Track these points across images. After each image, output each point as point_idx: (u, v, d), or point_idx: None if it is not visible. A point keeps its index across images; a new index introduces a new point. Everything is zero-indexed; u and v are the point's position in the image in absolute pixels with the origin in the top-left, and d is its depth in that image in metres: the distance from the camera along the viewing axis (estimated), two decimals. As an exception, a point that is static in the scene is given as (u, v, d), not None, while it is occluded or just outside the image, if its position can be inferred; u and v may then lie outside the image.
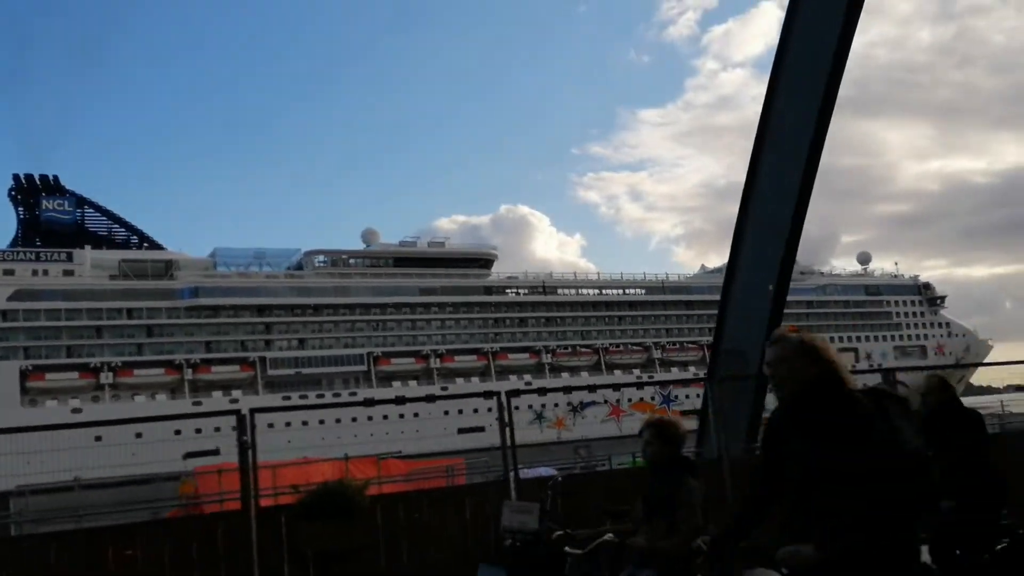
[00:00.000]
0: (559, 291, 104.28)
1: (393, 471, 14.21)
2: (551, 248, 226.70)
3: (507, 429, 8.67)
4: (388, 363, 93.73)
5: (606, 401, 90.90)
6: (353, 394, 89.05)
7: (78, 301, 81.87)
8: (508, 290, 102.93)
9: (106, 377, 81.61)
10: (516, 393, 9.11)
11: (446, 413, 79.63)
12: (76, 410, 76.23)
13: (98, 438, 55.55)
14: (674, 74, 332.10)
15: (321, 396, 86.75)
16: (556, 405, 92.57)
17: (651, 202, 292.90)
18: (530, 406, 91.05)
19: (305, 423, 72.90)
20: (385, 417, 78.20)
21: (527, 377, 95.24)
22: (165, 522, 7.99)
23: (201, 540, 7.40)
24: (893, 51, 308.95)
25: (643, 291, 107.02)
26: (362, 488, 7.77)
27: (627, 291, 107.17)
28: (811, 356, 3.92)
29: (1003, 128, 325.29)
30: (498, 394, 8.75)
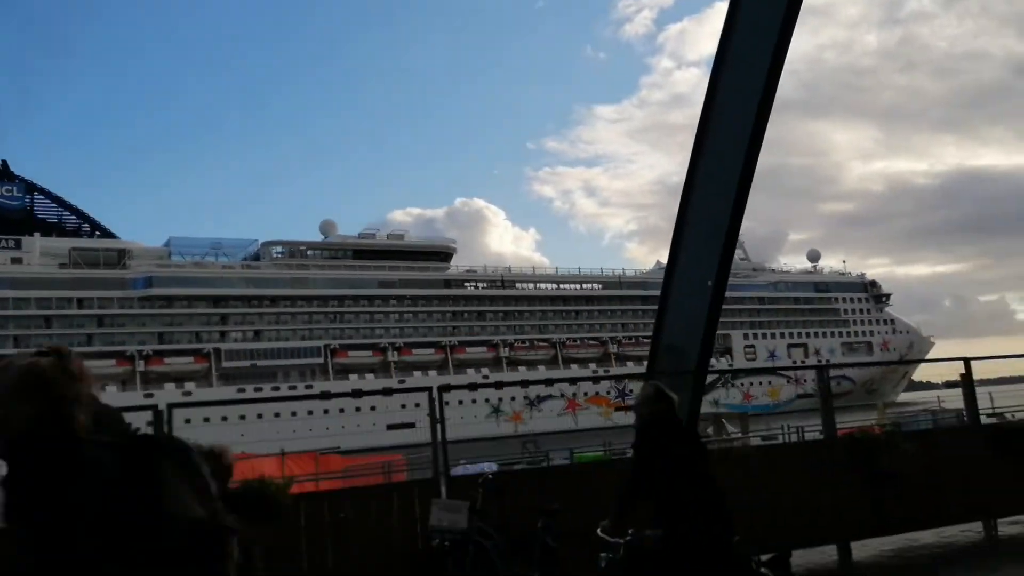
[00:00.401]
0: (517, 285, 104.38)
1: (333, 467, 13.97)
2: (506, 242, 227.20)
3: (437, 425, 8.46)
4: (345, 356, 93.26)
5: (562, 395, 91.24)
6: (309, 387, 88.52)
7: (26, 289, 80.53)
8: (467, 284, 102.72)
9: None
10: (447, 388, 8.90)
11: (403, 407, 79.25)
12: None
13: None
14: (630, 71, 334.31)
15: (276, 388, 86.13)
16: (513, 399, 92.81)
17: (605, 198, 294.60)
18: (487, 400, 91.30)
19: (260, 416, 72.28)
20: (326, 412, 77.99)
21: (484, 371, 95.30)
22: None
23: None
24: (841, 54, 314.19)
25: (600, 286, 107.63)
26: (283, 486, 7.53)
27: (584, 286, 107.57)
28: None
29: (944, 131, 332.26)
30: (429, 389, 8.54)
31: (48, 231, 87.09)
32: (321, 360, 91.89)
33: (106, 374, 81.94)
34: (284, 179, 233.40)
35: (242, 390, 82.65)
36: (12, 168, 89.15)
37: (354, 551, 7.89)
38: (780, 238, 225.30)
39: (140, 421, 8.44)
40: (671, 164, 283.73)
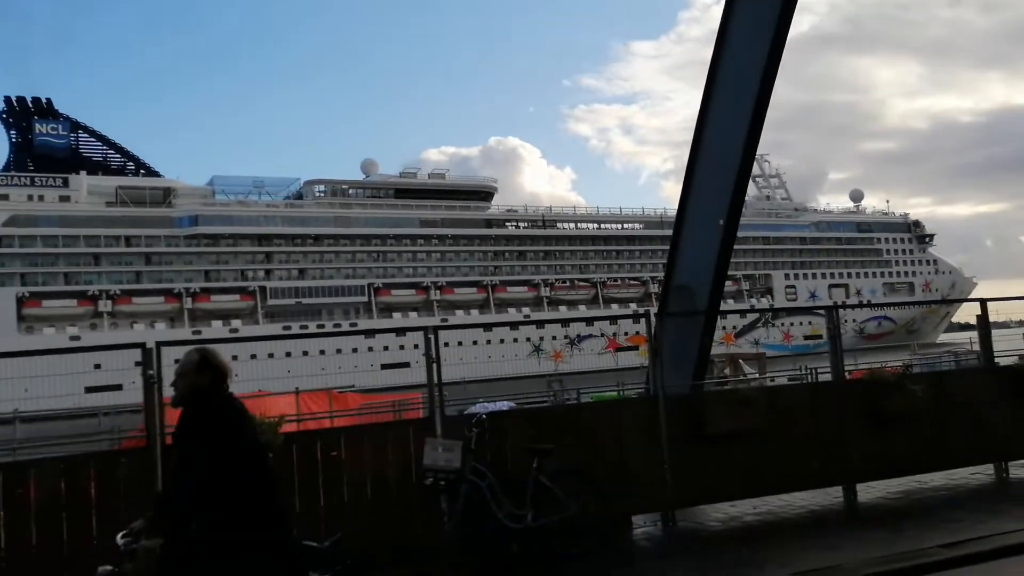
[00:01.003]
0: (558, 225, 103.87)
1: (350, 404, 14.10)
2: (541, 181, 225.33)
3: (433, 365, 8.45)
4: (388, 294, 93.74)
5: (603, 334, 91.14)
6: (354, 324, 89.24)
7: (75, 228, 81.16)
8: (508, 223, 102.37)
9: (104, 305, 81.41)
10: (440, 328, 8.88)
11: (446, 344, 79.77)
12: (74, 337, 76.19)
13: (97, 365, 56.47)
14: (668, 5, 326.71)
15: (321, 326, 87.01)
16: (554, 338, 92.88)
17: (642, 136, 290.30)
18: (528, 339, 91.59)
19: (288, 354, 72.89)
20: (368, 349, 78.37)
21: (526, 310, 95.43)
22: (62, 459, 7.77)
23: (100, 478, 7.23)
24: None
25: (641, 225, 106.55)
26: (273, 425, 7.58)
27: (625, 226, 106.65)
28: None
29: (991, 67, 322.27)
30: (424, 329, 8.54)
31: (93, 169, 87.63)
32: (365, 299, 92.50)
33: (155, 311, 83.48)
34: (321, 119, 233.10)
35: (287, 327, 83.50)
36: (57, 106, 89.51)
37: (347, 491, 7.94)
38: (820, 177, 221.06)
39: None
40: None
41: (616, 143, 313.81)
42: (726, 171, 10.94)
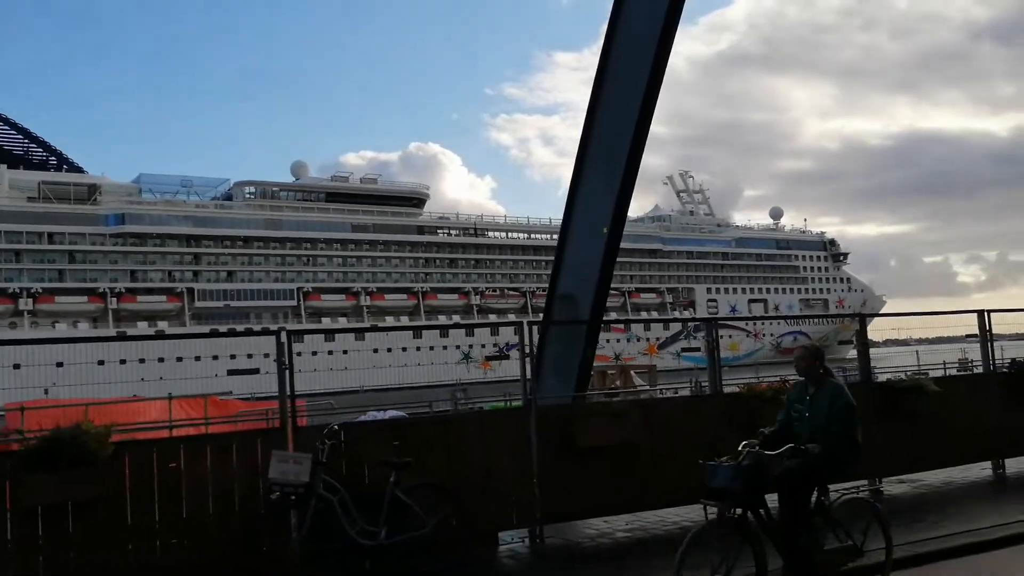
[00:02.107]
0: (489, 234, 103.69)
1: (229, 411, 13.50)
2: (462, 188, 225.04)
3: (287, 372, 7.98)
4: (318, 299, 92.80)
5: (527, 345, 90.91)
6: (282, 328, 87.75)
7: None
8: (439, 231, 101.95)
9: (25, 303, 78.99)
10: (299, 334, 8.42)
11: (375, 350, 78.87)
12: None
13: (16, 366, 54.48)
14: (592, 18, 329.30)
15: (249, 329, 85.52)
16: (483, 346, 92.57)
17: (562, 147, 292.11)
18: (457, 346, 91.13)
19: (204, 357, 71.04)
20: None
21: (456, 318, 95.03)
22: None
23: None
24: (803, 9, 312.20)
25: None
26: (103, 434, 7.04)
27: (554, 236, 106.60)
28: None
29: (901, 92, 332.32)
30: (277, 333, 8.07)
31: (14, 163, 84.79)
32: (294, 302, 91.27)
33: (78, 311, 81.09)
34: (241, 119, 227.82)
35: (215, 330, 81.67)
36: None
37: (186, 505, 7.43)
38: (736, 193, 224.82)
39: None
40: None
41: (536, 153, 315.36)
42: (611, 180, 10.71)
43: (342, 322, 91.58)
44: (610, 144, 10.73)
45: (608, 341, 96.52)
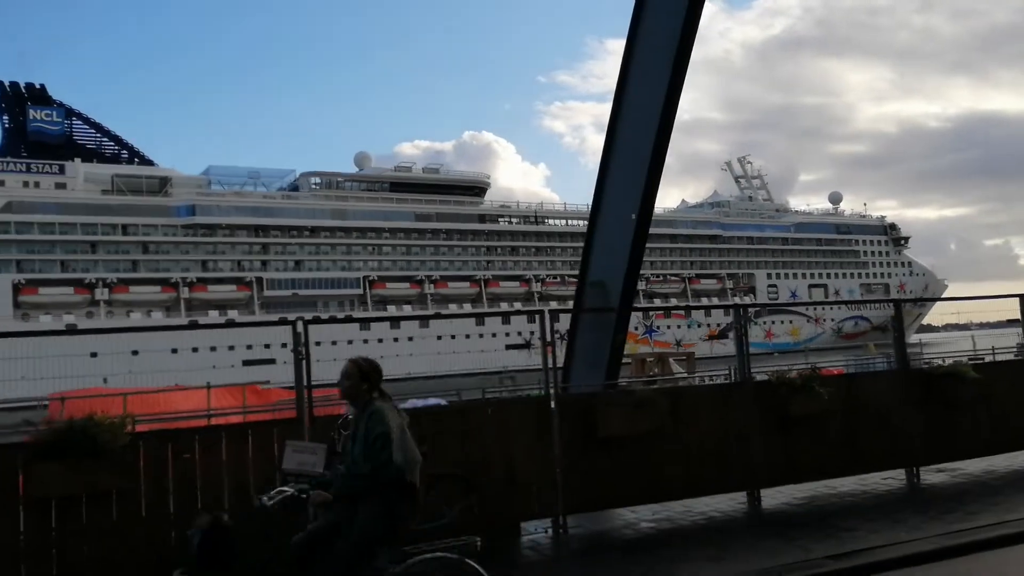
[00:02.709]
0: (549, 221, 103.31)
1: (273, 399, 13.57)
2: (515, 177, 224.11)
3: (303, 363, 7.94)
4: (383, 287, 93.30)
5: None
6: (348, 316, 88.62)
7: (72, 215, 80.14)
8: (500, 219, 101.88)
9: (101, 293, 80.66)
10: (314, 321, 8.36)
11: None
12: (71, 325, 75.45)
13: (94, 354, 55.71)
14: None
15: (317, 317, 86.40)
16: (532, 333, 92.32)
17: None
18: (519, 332, 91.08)
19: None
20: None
21: (517, 305, 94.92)
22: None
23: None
24: None
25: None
26: (117, 424, 7.05)
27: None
28: None
29: (958, 74, 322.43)
30: (294, 323, 8.02)
31: (88, 157, 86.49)
32: (360, 291, 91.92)
33: (152, 300, 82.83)
34: (297, 111, 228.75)
35: (284, 319, 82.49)
36: (50, 92, 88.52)
37: (201, 497, 7.42)
38: (791, 178, 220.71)
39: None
40: (683, 101, 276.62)
41: (590, 141, 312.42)
42: (638, 166, 10.50)
43: (407, 310, 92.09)
44: (637, 131, 10.53)
45: (669, 327, 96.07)
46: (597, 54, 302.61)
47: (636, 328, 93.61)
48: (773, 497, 9.91)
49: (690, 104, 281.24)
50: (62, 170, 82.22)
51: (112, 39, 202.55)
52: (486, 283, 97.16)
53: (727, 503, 9.77)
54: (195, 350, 70.08)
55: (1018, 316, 11.76)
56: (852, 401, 10.19)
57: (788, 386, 9.76)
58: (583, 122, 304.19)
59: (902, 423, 10.35)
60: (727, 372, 13.53)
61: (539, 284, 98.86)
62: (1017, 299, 11.30)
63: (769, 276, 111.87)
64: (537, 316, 8.66)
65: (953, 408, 10.52)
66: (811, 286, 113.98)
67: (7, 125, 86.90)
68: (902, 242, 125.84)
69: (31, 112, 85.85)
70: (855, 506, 9.54)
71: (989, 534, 8.21)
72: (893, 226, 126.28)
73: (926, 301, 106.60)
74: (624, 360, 23.80)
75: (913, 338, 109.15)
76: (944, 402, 10.48)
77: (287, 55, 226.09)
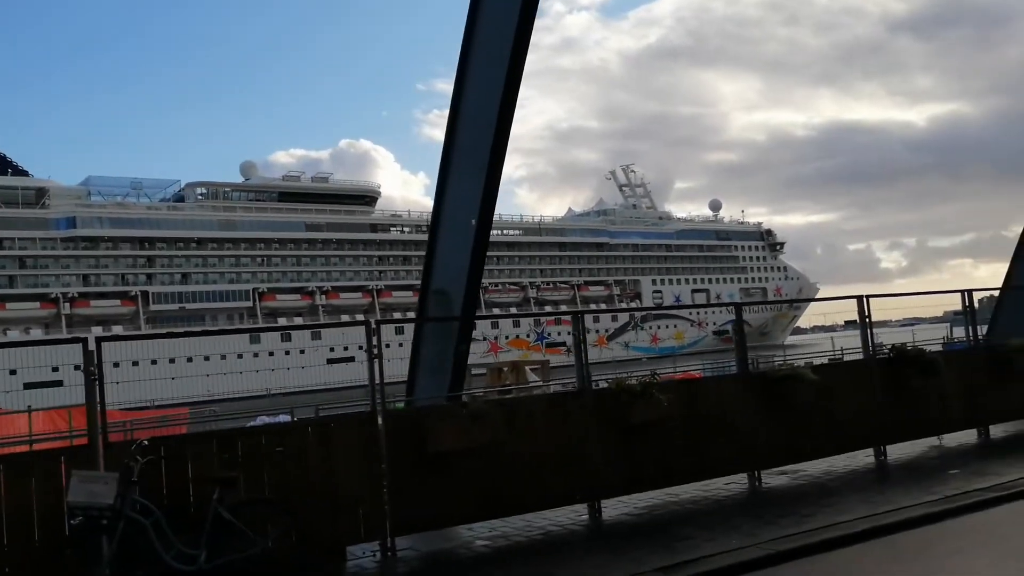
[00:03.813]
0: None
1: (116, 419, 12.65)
2: (396, 185, 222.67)
3: (95, 383, 7.21)
4: (273, 299, 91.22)
5: (485, 338, 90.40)
6: (145, 333, 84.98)
7: None
8: (392, 228, 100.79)
9: (-26, 310, 76.55)
10: (105, 339, 7.61)
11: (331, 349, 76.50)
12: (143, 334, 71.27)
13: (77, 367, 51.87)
14: None
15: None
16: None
17: None
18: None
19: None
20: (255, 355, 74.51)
21: (411, 314, 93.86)
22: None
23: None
24: (728, 4, 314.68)
25: (519, 232, 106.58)
26: None
27: (505, 232, 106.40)
28: None
29: (823, 84, 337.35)
30: (85, 340, 7.28)
31: None
32: (250, 303, 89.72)
33: (30, 317, 78.89)
34: (160, 118, 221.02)
35: (171, 334, 79.56)
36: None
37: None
38: (667, 185, 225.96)
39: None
40: (560, 110, 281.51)
41: None
42: (477, 171, 10.08)
43: (297, 322, 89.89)
44: (474, 136, 10.14)
45: (559, 333, 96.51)
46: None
47: (528, 335, 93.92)
48: (615, 507, 9.59)
49: (567, 113, 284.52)
50: (-73, 181, 77.54)
51: None
52: (379, 293, 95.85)
53: (568, 516, 9.39)
54: (77, 367, 66.48)
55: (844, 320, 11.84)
56: (694, 406, 9.98)
57: (628, 393, 9.45)
58: None
59: (744, 427, 10.18)
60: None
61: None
62: (855, 300, 11.27)
63: (654, 282, 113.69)
64: (364, 327, 8.04)
65: (793, 410, 10.41)
66: (694, 291, 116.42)
67: None
68: (778, 247, 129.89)
69: None
70: (695, 513, 9.29)
71: (818, 537, 8.06)
72: (769, 232, 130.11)
73: (796, 303, 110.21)
74: (479, 371, 23.53)
75: (789, 340, 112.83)
76: (784, 405, 10.36)
77: (158, 61, 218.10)
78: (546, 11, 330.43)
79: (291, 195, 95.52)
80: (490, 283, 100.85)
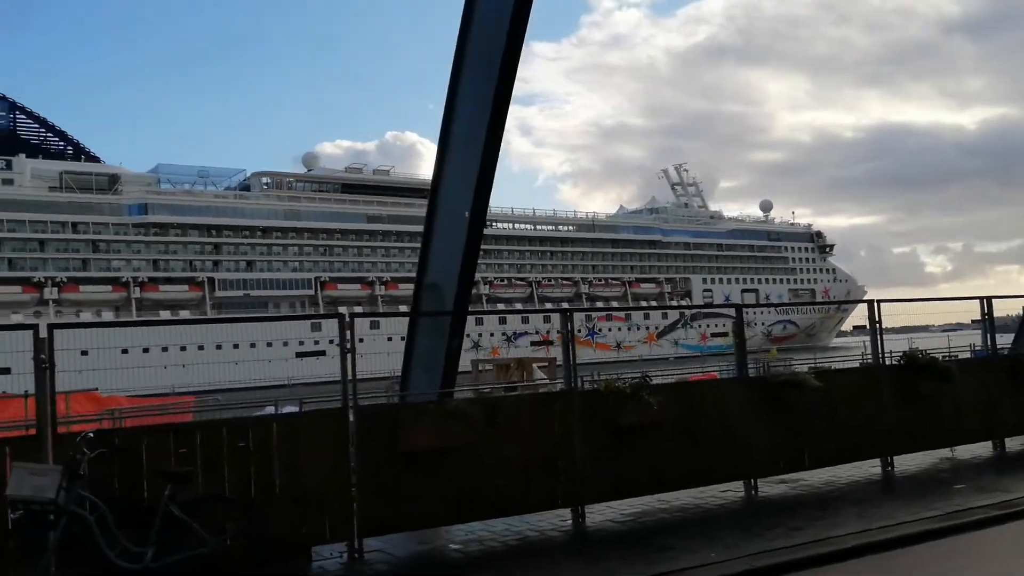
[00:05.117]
0: (497, 225, 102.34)
1: (100, 407, 12.45)
2: None
3: (47, 372, 6.85)
4: (335, 288, 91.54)
5: (537, 332, 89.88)
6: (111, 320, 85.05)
7: (21, 212, 76.94)
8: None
9: (50, 292, 77.85)
10: (62, 326, 7.23)
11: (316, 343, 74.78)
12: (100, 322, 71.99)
13: (84, 352, 53.02)
14: (571, 9, 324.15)
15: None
16: (492, 335, 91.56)
17: (540, 137, 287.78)
18: (468, 335, 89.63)
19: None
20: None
21: (403, 308, 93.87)
22: None
23: None
24: (779, 3, 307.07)
25: (573, 228, 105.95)
26: None
27: (559, 227, 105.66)
28: None
29: (872, 85, 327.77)
30: (35, 327, 6.94)
31: (32, 153, 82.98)
32: (312, 292, 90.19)
33: (102, 300, 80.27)
34: (217, 109, 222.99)
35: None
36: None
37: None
38: (711, 184, 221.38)
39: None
40: (606, 106, 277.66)
41: (514, 144, 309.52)
42: (472, 161, 9.56)
43: (358, 311, 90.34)
44: (470, 125, 9.64)
45: (610, 330, 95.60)
46: (522, 57, 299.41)
47: (580, 330, 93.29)
48: (601, 513, 9.05)
49: (613, 109, 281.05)
50: (8, 166, 79.00)
51: (55, 31, 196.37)
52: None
53: (551, 521, 8.86)
54: (146, 350, 67.35)
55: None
56: (690, 410, 9.35)
57: (616, 395, 8.87)
58: (507, 125, 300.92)
59: (742, 433, 9.54)
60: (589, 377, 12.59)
61: (487, 286, 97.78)
62: (866, 304, 10.51)
63: (704, 281, 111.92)
64: (337, 320, 7.58)
65: (795, 417, 9.73)
66: (743, 291, 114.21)
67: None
68: (827, 249, 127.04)
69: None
70: (683, 522, 8.71)
71: (803, 553, 7.46)
72: (819, 234, 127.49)
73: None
74: (487, 367, 23.00)
75: (836, 341, 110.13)
76: (785, 411, 9.68)
77: (211, 55, 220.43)
78: (595, 7, 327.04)
79: (353, 187, 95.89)
80: (543, 278, 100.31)
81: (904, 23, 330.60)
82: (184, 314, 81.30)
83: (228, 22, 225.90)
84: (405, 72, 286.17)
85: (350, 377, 7.89)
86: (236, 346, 69.06)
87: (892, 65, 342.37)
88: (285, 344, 74.48)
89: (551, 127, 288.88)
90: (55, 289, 78.15)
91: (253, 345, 72.56)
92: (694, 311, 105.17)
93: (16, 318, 73.63)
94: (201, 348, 68.33)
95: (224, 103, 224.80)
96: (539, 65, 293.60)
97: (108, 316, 79.17)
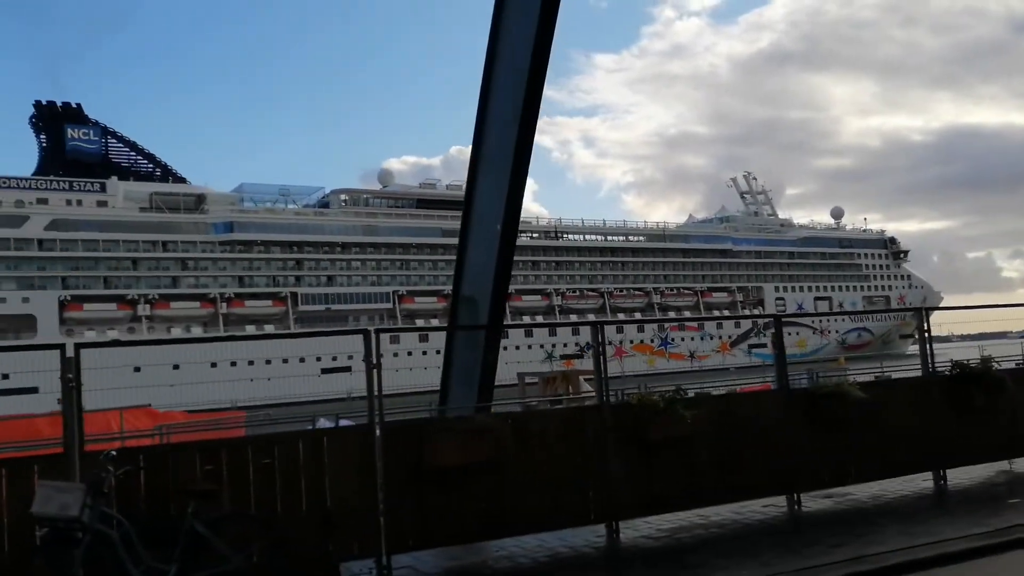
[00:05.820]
0: (567, 236, 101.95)
1: (151, 423, 12.56)
2: None
3: (73, 391, 6.86)
4: (412, 301, 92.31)
5: (610, 343, 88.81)
6: (116, 341, 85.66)
7: (115, 232, 79.40)
8: (522, 234, 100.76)
9: (143, 309, 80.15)
10: (88, 344, 7.22)
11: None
12: (116, 341, 74.52)
13: (137, 368, 54.84)
14: (631, 20, 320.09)
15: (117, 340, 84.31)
16: (565, 345, 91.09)
17: (603, 148, 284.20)
18: (541, 346, 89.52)
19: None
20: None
21: (539, 318, 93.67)
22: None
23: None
24: (843, 6, 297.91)
25: (643, 238, 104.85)
26: None
27: (629, 238, 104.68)
28: None
29: (941, 88, 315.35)
30: (63, 347, 6.96)
31: (123, 175, 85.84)
32: (390, 305, 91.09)
33: (191, 316, 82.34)
34: (290, 128, 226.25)
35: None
36: (86, 111, 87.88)
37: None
38: (777, 192, 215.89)
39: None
40: (668, 115, 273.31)
41: (577, 155, 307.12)
42: (502, 175, 9.41)
43: (434, 323, 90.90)
44: (500, 139, 9.47)
45: (683, 340, 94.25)
46: (584, 69, 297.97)
47: (652, 340, 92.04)
48: (637, 528, 8.73)
49: (676, 119, 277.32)
50: (103, 188, 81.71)
51: (140, 56, 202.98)
52: (509, 297, 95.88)
53: (584, 537, 8.59)
54: (233, 364, 68.42)
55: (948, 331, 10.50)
56: (728, 423, 8.97)
57: (649, 408, 8.55)
58: (570, 137, 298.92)
59: (783, 447, 9.11)
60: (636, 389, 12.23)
61: (559, 297, 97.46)
62: (914, 312, 9.97)
63: (777, 289, 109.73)
64: (362, 335, 7.48)
65: (839, 430, 9.26)
66: (816, 298, 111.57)
67: (44, 144, 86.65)
68: (901, 256, 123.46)
69: (68, 131, 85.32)
70: (720, 538, 8.35)
71: (840, 571, 7.04)
72: (893, 240, 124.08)
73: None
74: (532, 380, 22.62)
75: (912, 349, 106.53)
76: (830, 424, 9.22)
77: (270, 70, 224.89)
78: (656, 17, 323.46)
79: (428, 202, 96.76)
80: (615, 288, 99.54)
81: (974, 23, 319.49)
82: (269, 328, 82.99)
83: (306, 57, 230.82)
84: (468, 86, 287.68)
85: (376, 392, 7.76)
86: (302, 360, 69.73)
87: (961, 66, 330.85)
88: (350, 357, 74.72)
89: (614, 138, 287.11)
90: (148, 306, 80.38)
91: (302, 360, 72.58)
92: (767, 319, 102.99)
93: (112, 334, 76.11)
94: (268, 362, 69.85)
95: (300, 123, 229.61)
96: (601, 76, 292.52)
97: (197, 331, 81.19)
